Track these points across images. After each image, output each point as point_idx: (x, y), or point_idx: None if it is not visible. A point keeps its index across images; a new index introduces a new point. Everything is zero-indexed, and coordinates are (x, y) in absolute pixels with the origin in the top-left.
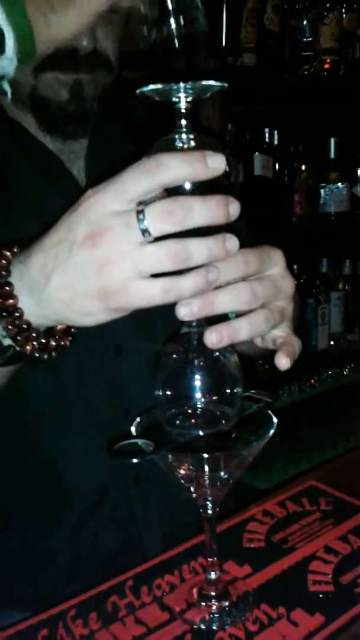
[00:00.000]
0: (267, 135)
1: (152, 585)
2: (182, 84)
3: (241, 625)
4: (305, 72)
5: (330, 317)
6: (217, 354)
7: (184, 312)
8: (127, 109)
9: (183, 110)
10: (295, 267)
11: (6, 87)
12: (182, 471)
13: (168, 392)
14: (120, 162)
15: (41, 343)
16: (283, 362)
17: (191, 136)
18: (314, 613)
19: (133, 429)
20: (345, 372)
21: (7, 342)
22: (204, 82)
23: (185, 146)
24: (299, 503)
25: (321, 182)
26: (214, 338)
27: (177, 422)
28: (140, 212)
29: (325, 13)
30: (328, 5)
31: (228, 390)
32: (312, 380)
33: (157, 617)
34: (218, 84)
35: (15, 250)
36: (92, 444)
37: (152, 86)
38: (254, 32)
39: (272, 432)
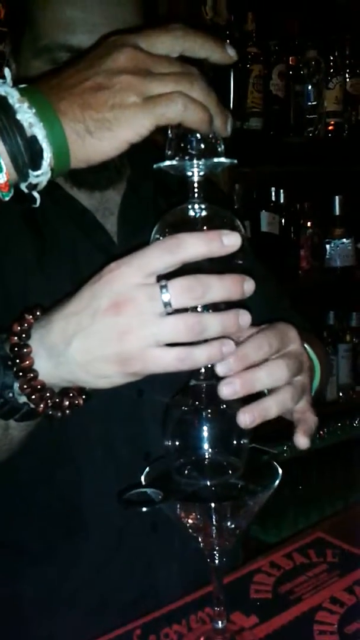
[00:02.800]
0: (273, 194)
1: (159, 634)
2: (195, 161)
3: None
4: (310, 134)
5: (339, 368)
6: (225, 406)
7: (226, 392)
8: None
9: (196, 184)
10: None
11: (37, 195)
12: (189, 520)
13: (177, 443)
14: (152, 219)
15: (55, 402)
16: (302, 441)
17: (203, 206)
18: None
19: (143, 478)
20: (355, 424)
21: (23, 399)
22: (216, 160)
23: (198, 215)
24: (306, 555)
25: (327, 238)
26: (247, 419)
27: (186, 472)
28: (163, 286)
29: (329, 78)
30: (332, 70)
31: (235, 442)
32: (321, 432)
33: None
34: (228, 161)
35: (37, 313)
36: (111, 484)
37: (168, 162)
38: (260, 98)
39: (277, 482)
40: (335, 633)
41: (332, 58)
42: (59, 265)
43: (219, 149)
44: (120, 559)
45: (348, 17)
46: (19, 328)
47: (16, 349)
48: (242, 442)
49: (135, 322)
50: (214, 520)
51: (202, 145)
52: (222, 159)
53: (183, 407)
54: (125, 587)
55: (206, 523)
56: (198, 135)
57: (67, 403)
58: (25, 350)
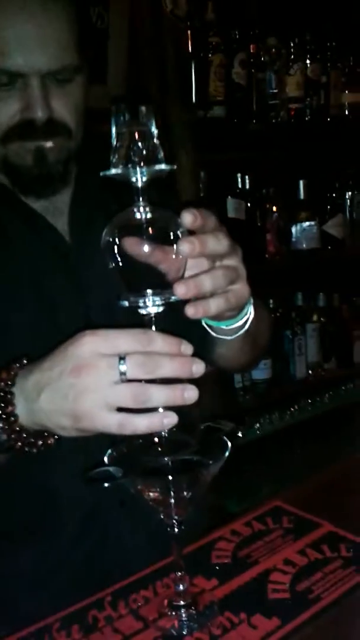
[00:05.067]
0: (239, 180)
1: (128, 599)
2: (138, 169)
3: (207, 630)
4: (273, 120)
5: (307, 348)
6: None
7: (180, 291)
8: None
9: (140, 187)
10: (271, 301)
11: None
12: (149, 494)
13: None
14: (101, 215)
15: (30, 442)
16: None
17: (148, 209)
18: (271, 617)
19: (106, 458)
20: (324, 401)
21: (4, 437)
22: (157, 167)
23: (143, 217)
24: (264, 522)
25: (292, 222)
26: (182, 289)
27: (145, 451)
28: (122, 358)
29: (290, 64)
30: (292, 57)
31: (188, 419)
32: (292, 409)
33: (133, 626)
34: (168, 167)
35: (24, 362)
36: (80, 466)
37: (113, 170)
38: (222, 86)
39: (226, 454)
40: (287, 591)
41: (292, 44)
42: (17, 267)
43: (159, 156)
44: (93, 534)
45: (308, 2)
46: (5, 376)
47: (2, 394)
48: (194, 422)
49: (91, 385)
50: (170, 492)
51: (144, 154)
52: (162, 166)
53: None
54: (99, 559)
55: (164, 495)
56: (140, 144)
57: (40, 442)
58: (9, 396)
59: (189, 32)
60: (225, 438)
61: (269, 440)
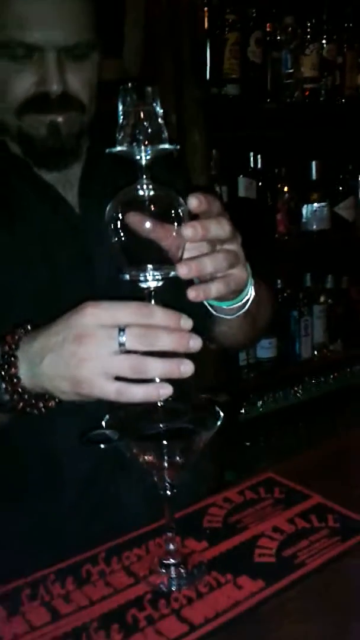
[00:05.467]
0: (251, 159)
1: (121, 556)
2: (143, 147)
3: (194, 587)
4: (287, 100)
5: (314, 328)
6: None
7: (182, 271)
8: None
9: (143, 165)
10: (279, 281)
11: None
12: (144, 458)
13: None
14: (110, 190)
15: (31, 403)
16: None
17: (151, 187)
18: (256, 579)
19: (104, 423)
20: (329, 381)
21: (7, 398)
22: (160, 146)
23: (146, 194)
24: (256, 491)
25: (303, 202)
26: (184, 269)
27: (141, 417)
28: (122, 330)
29: (306, 44)
30: (309, 36)
31: (181, 390)
32: (296, 388)
33: (124, 581)
34: (171, 147)
35: (28, 327)
36: (80, 430)
37: (119, 147)
38: (237, 64)
39: (218, 424)
40: (273, 556)
41: (309, 24)
42: (28, 235)
43: (164, 136)
44: (93, 497)
45: None
46: (10, 340)
47: (5, 356)
48: (189, 392)
49: (92, 354)
50: (164, 457)
51: (149, 133)
52: (166, 145)
53: None
54: (99, 521)
55: (157, 459)
56: (145, 123)
57: (41, 405)
58: (12, 359)
59: (205, 9)
60: (217, 408)
61: (272, 418)
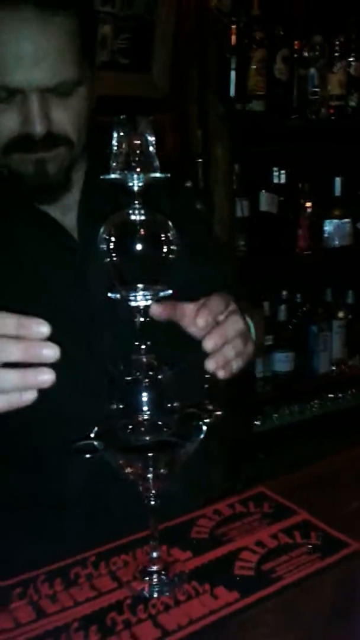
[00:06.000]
0: (274, 174)
1: (109, 561)
2: (135, 175)
3: (172, 595)
4: (313, 117)
5: (333, 343)
6: (160, 377)
7: (209, 345)
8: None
9: (136, 192)
10: (298, 296)
11: None
12: (129, 468)
13: (121, 406)
14: (109, 210)
15: None
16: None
17: (142, 211)
18: (232, 590)
19: (92, 435)
20: (347, 397)
21: None
22: (152, 175)
23: (137, 218)
24: (246, 505)
25: (326, 218)
26: (211, 365)
27: (128, 430)
28: None
29: (333, 62)
30: (337, 54)
31: (168, 405)
32: (312, 403)
33: (108, 584)
34: (162, 175)
35: None
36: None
37: (112, 175)
38: (263, 81)
39: (200, 437)
40: (252, 569)
41: (337, 42)
42: (23, 266)
43: (155, 164)
44: (83, 507)
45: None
46: None
47: None
48: (173, 406)
49: None
50: (148, 467)
51: (141, 161)
52: (157, 174)
53: (127, 377)
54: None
55: (142, 470)
56: (137, 152)
57: None
58: None
59: (233, 27)
60: (201, 422)
61: (287, 432)
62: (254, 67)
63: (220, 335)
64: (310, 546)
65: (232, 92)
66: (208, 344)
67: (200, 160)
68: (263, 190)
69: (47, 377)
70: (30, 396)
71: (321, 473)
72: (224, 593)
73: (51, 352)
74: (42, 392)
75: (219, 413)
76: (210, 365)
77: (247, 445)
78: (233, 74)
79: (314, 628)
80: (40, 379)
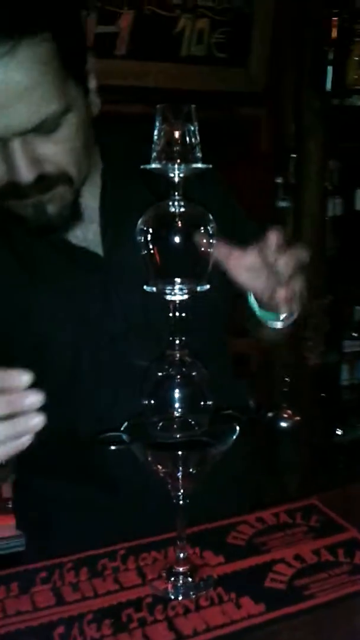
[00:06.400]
0: None
1: (139, 557)
2: (176, 165)
3: (195, 599)
4: None
5: None
6: (194, 373)
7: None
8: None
9: (176, 182)
10: None
11: None
12: (158, 466)
13: (152, 402)
14: (134, 211)
15: None
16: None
17: (182, 203)
18: (258, 602)
19: (122, 428)
20: None
21: None
22: (193, 165)
23: (177, 210)
24: (292, 516)
25: None
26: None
27: (159, 427)
28: None
29: None
30: None
31: (201, 403)
32: None
33: (132, 580)
34: (203, 166)
35: None
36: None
37: (154, 165)
38: None
39: (233, 438)
40: (284, 583)
41: None
42: (50, 293)
43: (197, 154)
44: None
45: None
46: None
47: None
48: (207, 403)
49: None
50: (175, 465)
51: (183, 151)
52: (199, 165)
53: (159, 373)
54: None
55: (171, 468)
56: (180, 142)
57: None
58: None
59: (334, 19)
60: (235, 425)
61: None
62: (355, 60)
63: (293, 259)
64: (350, 565)
65: (329, 86)
66: (284, 266)
67: (293, 155)
68: (359, 188)
69: (36, 421)
70: (26, 441)
71: None
72: (249, 604)
73: (34, 400)
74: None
75: (239, 417)
76: (281, 295)
77: (326, 454)
78: (330, 67)
79: None
80: (30, 425)
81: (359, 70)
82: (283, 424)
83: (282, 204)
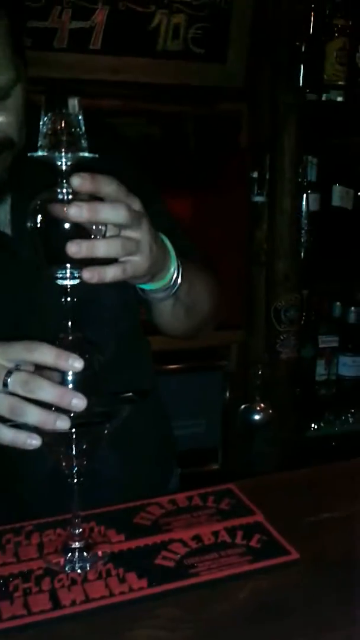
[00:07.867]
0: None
1: (43, 533)
2: (62, 154)
3: (83, 573)
4: None
5: None
6: (87, 356)
7: (73, 212)
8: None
9: (63, 171)
10: None
11: None
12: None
13: None
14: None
15: None
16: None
17: (69, 191)
18: (142, 578)
19: None
20: None
21: None
22: (80, 154)
23: (65, 198)
24: (204, 499)
25: None
26: (73, 248)
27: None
28: (9, 372)
29: None
30: None
31: (94, 386)
32: None
33: (30, 554)
34: (90, 155)
35: None
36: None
37: (40, 153)
38: (343, 71)
39: (122, 416)
40: (173, 561)
41: None
42: None
43: (83, 144)
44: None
45: None
46: None
47: None
48: (99, 386)
49: None
50: (68, 444)
51: (69, 141)
52: (85, 154)
53: None
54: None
55: (62, 446)
56: (66, 132)
57: None
58: None
59: (312, 14)
60: (123, 405)
61: (347, 440)
62: (334, 55)
63: (89, 210)
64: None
65: (302, 81)
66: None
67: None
68: (336, 184)
69: (64, 424)
70: (36, 442)
71: (311, 478)
72: (133, 579)
73: (80, 403)
74: None
75: (131, 397)
76: (71, 248)
77: (299, 449)
78: (304, 64)
79: (213, 631)
80: (58, 424)
81: (338, 66)
82: (256, 417)
83: (258, 198)
